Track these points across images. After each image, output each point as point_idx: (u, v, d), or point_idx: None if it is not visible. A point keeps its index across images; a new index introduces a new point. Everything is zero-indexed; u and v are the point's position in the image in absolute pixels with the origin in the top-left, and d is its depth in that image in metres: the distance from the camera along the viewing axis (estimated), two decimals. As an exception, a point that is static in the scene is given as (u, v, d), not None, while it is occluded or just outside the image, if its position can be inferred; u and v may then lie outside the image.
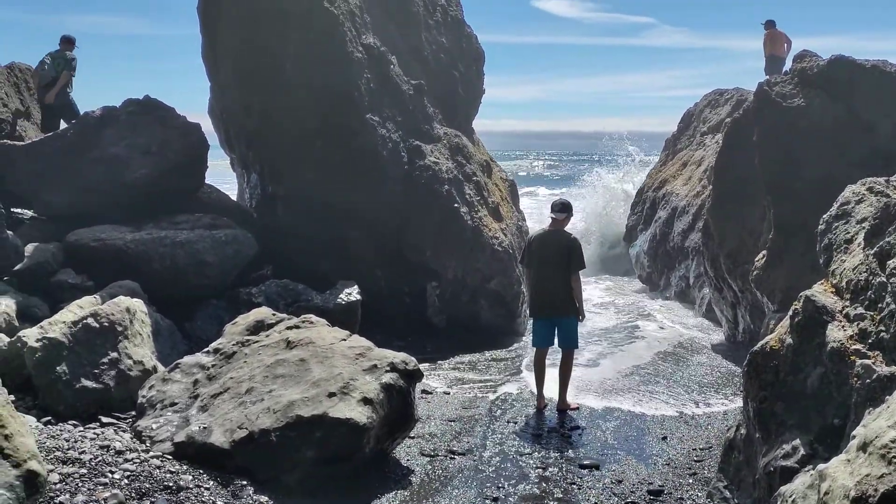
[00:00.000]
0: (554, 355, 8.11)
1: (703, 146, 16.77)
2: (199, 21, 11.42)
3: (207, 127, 12.27)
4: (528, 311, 9.18)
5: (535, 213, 17.97)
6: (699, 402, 8.34)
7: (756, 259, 10.10)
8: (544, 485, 5.91)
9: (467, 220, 11.36)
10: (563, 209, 8.02)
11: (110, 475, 4.99)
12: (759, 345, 5.42)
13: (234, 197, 13.17)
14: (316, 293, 9.69)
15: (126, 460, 5.27)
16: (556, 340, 7.93)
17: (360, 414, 5.58)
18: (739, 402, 7.23)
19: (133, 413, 6.36)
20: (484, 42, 14.83)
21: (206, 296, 9.39)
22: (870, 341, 4.51)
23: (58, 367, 6.32)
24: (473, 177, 12.18)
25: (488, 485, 5.88)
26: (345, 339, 6.64)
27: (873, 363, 4.37)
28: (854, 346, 4.56)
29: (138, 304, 7.31)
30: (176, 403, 6.17)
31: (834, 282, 5.21)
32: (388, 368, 6.17)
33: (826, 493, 3.86)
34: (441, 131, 12.31)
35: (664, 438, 7.05)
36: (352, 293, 9.80)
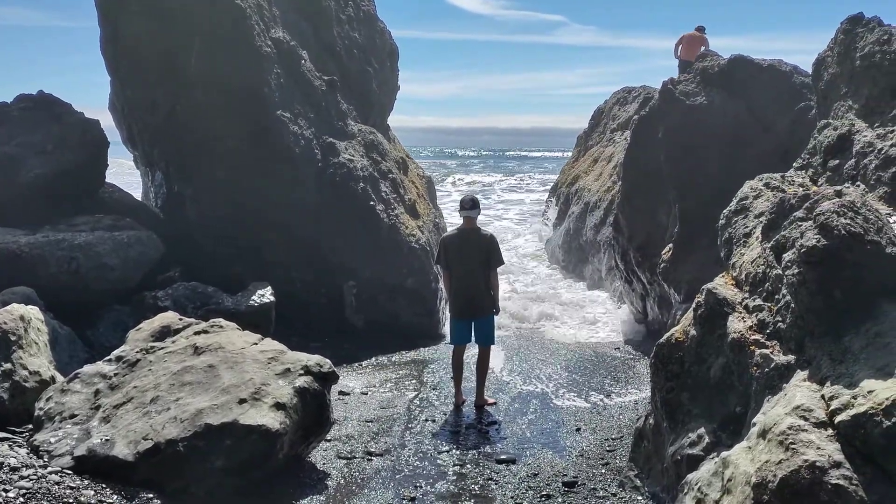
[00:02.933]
0: (471, 350, 8.15)
1: (613, 142, 17.23)
2: (97, 12, 10.88)
3: (108, 123, 11.75)
4: (447, 310, 9.17)
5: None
6: (611, 392, 8.54)
7: (663, 252, 10.42)
8: (462, 482, 5.92)
9: (383, 217, 11.28)
10: (473, 205, 8.02)
11: (4, 494, 4.70)
12: (665, 337, 5.58)
13: (138, 196, 12.65)
14: (227, 296, 9.41)
15: (22, 477, 4.97)
16: (472, 337, 7.97)
17: (273, 420, 5.44)
18: (649, 392, 7.47)
19: (30, 427, 6.01)
20: (398, 38, 14.77)
21: (109, 301, 8.99)
22: (768, 331, 4.70)
23: (-57, 382, 5.90)
24: (389, 174, 12.10)
25: (406, 485, 5.84)
26: (256, 344, 6.47)
27: (771, 352, 4.56)
28: (753, 337, 4.75)
29: (34, 312, 6.92)
30: (76, 415, 5.86)
31: (734, 274, 5.42)
32: (301, 372, 6.05)
33: (729, 480, 4.00)
34: (356, 128, 12.17)
35: (578, 430, 7.18)
36: (265, 295, 9.56)
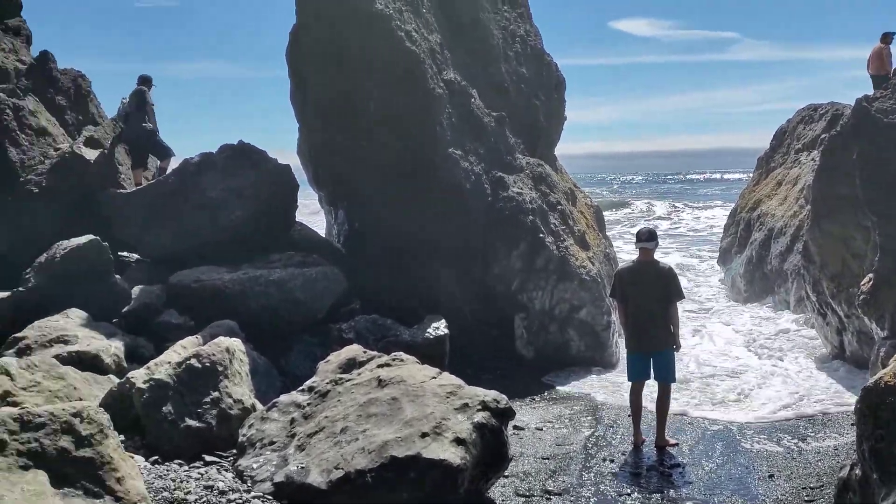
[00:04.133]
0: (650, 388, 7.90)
1: (799, 164, 16.14)
2: (287, 66, 11.86)
3: (296, 164, 12.70)
4: (622, 344, 8.98)
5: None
6: (807, 436, 7.92)
7: (862, 283, 9.58)
8: (644, 527, 5.73)
9: (553, 249, 11.26)
10: (650, 237, 7.85)
11: (214, 514, 5.14)
12: (873, 380, 5.11)
13: (322, 233, 13.51)
14: (404, 328, 9.78)
15: (229, 500, 5.42)
16: (651, 373, 7.73)
17: (454, 455, 5.56)
18: (850, 437, 6.86)
19: (234, 451, 6.54)
20: (563, 65, 14.79)
21: (299, 332, 9.62)
22: None
23: (163, 408, 6.58)
24: (558, 206, 12.08)
25: (586, 526, 5.74)
26: (435, 377, 6.64)
27: None
28: (981, 384, 4.24)
29: (237, 344, 7.54)
30: (274, 442, 6.31)
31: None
32: (479, 407, 6.13)
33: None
34: (524, 161, 12.30)
35: (771, 476, 6.73)
36: (439, 327, 9.83)
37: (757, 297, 15.49)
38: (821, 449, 7.48)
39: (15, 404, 6.34)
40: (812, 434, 7.96)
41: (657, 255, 8.11)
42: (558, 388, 10.04)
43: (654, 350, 7.63)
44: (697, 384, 9.94)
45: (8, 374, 6.64)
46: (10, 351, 7.67)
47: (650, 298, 7.57)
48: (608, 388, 10.02)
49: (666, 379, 7.69)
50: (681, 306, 7.94)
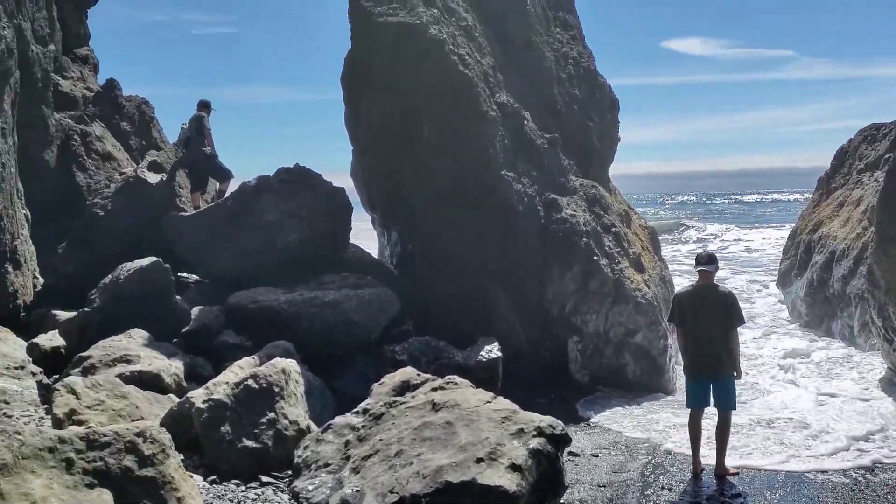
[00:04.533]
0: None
1: (862, 185, 15.67)
2: (342, 91, 12.06)
3: (349, 186, 12.87)
4: (679, 369, 8.80)
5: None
6: (874, 467, 7.61)
7: (933, 308, 9.21)
8: (705, 560, 5.56)
9: (608, 272, 11.13)
10: (710, 260, 7.73)
11: (271, 535, 5.18)
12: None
13: (375, 254, 13.63)
14: (457, 350, 9.77)
15: (285, 522, 5.46)
16: (710, 400, 7.54)
17: (510, 481, 5.50)
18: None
19: (289, 472, 6.60)
20: (615, 85, 14.71)
21: (353, 353, 9.69)
22: None
23: (222, 428, 6.69)
24: (612, 227, 11.96)
25: (644, 557, 5.60)
26: (490, 402, 6.61)
27: None
28: None
29: (293, 365, 7.64)
30: (329, 464, 6.35)
31: None
32: (535, 433, 6.06)
33: None
34: (577, 183, 12.23)
35: (838, 510, 6.47)
36: (492, 350, 9.79)
37: (818, 321, 15.03)
38: (890, 481, 7.17)
39: (80, 422, 6.53)
40: (880, 465, 7.63)
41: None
42: (613, 413, 9.86)
43: (714, 376, 7.46)
44: (759, 418, 9.51)
45: (74, 392, 6.86)
46: (76, 370, 7.91)
47: (710, 323, 7.41)
48: (665, 413, 9.81)
49: (726, 406, 7.49)
50: (740, 331, 7.73)
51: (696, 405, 7.58)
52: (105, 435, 4.95)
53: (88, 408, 6.82)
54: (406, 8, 10.83)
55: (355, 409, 7.03)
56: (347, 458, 6.33)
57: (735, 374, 7.51)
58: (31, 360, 8.76)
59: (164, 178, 12.19)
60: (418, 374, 7.39)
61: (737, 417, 8.09)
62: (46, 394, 7.62)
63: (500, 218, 10.92)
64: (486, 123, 10.84)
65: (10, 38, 8.47)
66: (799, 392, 10.64)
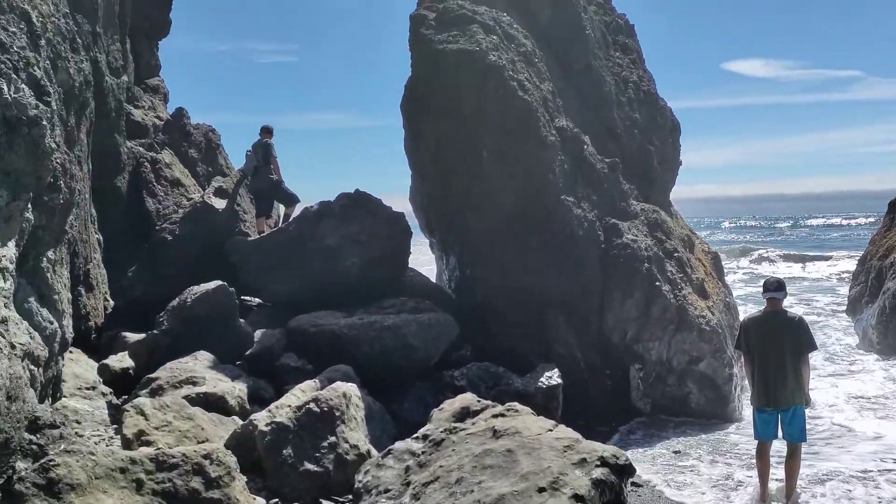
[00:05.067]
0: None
1: (938, 208, 15.06)
2: (402, 117, 12.23)
3: (408, 209, 12.99)
4: (746, 399, 8.53)
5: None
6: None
7: None
8: None
9: (671, 298, 10.93)
10: (778, 287, 7.51)
11: (332, 561, 5.19)
12: None
13: (432, 279, 13.67)
14: (516, 376, 9.69)
15: (346, 547, 5.46)
16: (779, 432, 7.29)
17: (573, 512, 5.40)
18: None
19: (349, 497, 6.62)
20: (675, 108, 14.55)
21: (412, 378, 9.70)
22: None
23: (284, 451, 6.75)
24: (675, 253, 11.76)
25: None
26: (551, 430, 6.51)
27: None
28: None
29: (353, 389, 7.68)
30: (389, 490, 6.34)
31: None
32: (598, 462, 5.95)
33: None
34: (638, 207, 12.08)
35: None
36: (552, 377, 9.68)
37: (891, 349, 14.44)
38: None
39: (148, 443, 6.69)
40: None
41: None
42: (676, 442, 9.62)
43: (783, 406, 7.21)
44: (835, 454, 9.10)
45: (143, 413, 7.03)
46: (144, 391, 8.11)
47: (780, 350, 7.19)
48: (731, 444, 9.52)
49: (796, 438, 7.23)
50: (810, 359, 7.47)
51: (764, 437, 7.34)
52: (174, 456, 5.06)
53: (156, 429, 6.97)
54: (466, 35, 10.94)
55: (415, 435, 7.01)
56: (408, 483, 6.31)
57: (806, 403, 7.26)
58: (101, 380, 9.02)
59: (229, 204, 12.50)
60: (478, 401, 7.35)
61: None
62: (116, 414, 7.82)
63: (559, 243, 10.84)
64: (545, 148, 10.82)
65: (87, 70, 8.86)
66: (881, 428, 10.10)
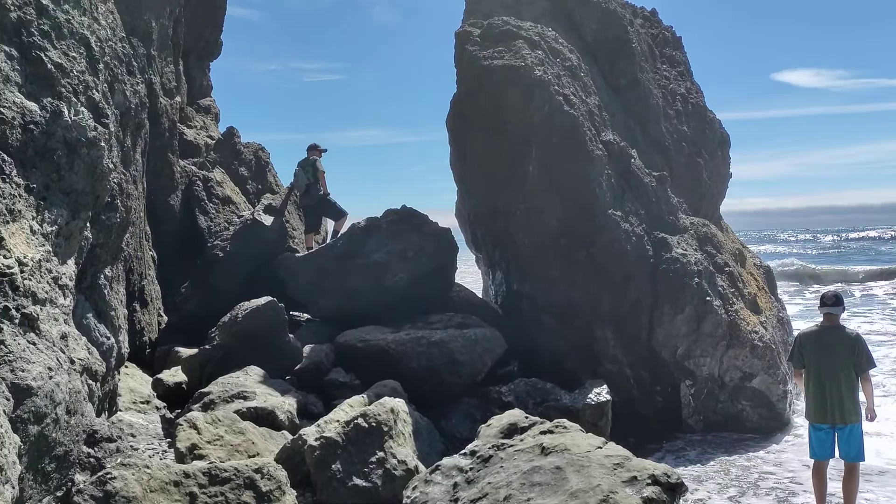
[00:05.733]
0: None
1: None
2: (448, 133, 12.29)
3: (453, 224, 13.04)
4: (803, 415, 8.29)
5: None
6: None
7: None
8: None
9: (722, 313, 10.71)
10: (836, 302, 7.30)
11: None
12: None
13: (479, 294, 13.66)
14: (564, 392, 9.59)
15: (395, 563, 5.45)
16: (836, 451, 7.07)
17: (624, 531, 5.31)
18: None
19: (397, 513, 6.62)
20: (724, 119, 14.36)
21: (459, 393, 9.68)
22: None
23: (333, 466, 6.79)
24: (725, 267, 11.54)
25: None
26: (601, 447, 6.43)
27: None
28: None
29: (401, 405, 7.70)
30: (437, 506, 6.32)
31: None
32: (649, 481, 5.84)
33: None
34: (687, 221, 11.90)
35: None
36: (601, 393, 9.56)
37: (959, 367, 13.87)
38: None
39: (201, 457, 6.80)
40: None
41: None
42: (729, 460, 9.39)
43: (840, 423, 6.99)
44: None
45: (195, 427, 7.15)
46: (197, 405, 8.26)
47: (836, 366, 6.99)
48: (787, 461, 9.25)
49: (853, 458, 7.00)
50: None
51: (820, 456, 7.12)
52: (226, 470, 5.14)
53: (208, 443, 7.09)
54: (511, 51, 10.98)
55: (463, 451, 6.98)
56: (456, 500, 6.29)
57: (870, 417, 7.03)
58: (155, 394, 9.22)
59: (278, 220, 12.72)
60: (526, 417, 7.29)
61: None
62: (169, 428, 7.98)
63: (607, 258, 10.73)
64: (591, 162, 10.75)
65: (142, 92, 9.15)
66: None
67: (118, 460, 5.05)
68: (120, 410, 8.09)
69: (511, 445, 6.82)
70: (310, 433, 7.19)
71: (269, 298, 9.92)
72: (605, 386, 9.70)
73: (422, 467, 7.23)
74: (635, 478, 5.93)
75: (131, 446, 7.56)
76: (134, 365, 9.88)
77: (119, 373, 8.10)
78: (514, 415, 7.39)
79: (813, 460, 7.23)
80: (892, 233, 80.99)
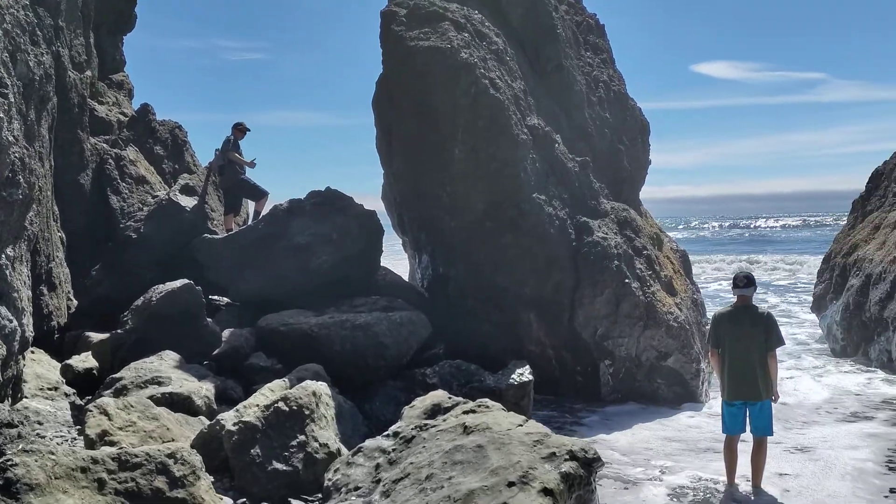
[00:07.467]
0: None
1: (899, 207, 15.36)
2: (373, 115, 12.15)
3: (380, 208, 12.92)
4: (713, 393, 8.60)
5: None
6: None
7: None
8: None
9: (639, 295, 10.99)
10: (748, 283, 7.57)
11: (300, 561, 5.11)
12: None
13: (405, 277, 13.61)
14: (488, 374, 9.66)
15: (315, 546, 5.38)
16: (747, 426, 7.37)
17: (543, 506, 5.38)
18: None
19: (319, 495, 6.54)
20: (645, 109, 14.69)
21: (383, 377, 9.63)
22: None
23: (252, 450, 6.65)
24: (644, 250, 11.83)
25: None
26: (521, 425, 6.50)
27: None
28: None
29: (323, 388, 7.59)
30: (359, 487, 6.27)
31: None
32: (567, 457, 5.94)
33: None
34: (608, 206, 12.14)
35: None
36: (524, 374, 9.67)
37: (855, 346, 14.68)
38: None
39: (112, 443, 6.54)
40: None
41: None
42: (643, 434, 9.64)
43: (752, 399, 7.29)
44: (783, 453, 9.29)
45: (106, 413, 6.87)
46: (108, 391, 7.95)
47: (748, 345, 7.27)
48: (699, 437, 9.57)
49: (763, 432, 7.31)
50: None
51: (732, 431, 7.41)
52: (136, 456, 4.95)
53: (120, 429, 6.83)
54: (437, 32, 10.91)
55: (386, 433, 6.95)
56: (378, 481, 6.25)
57: (773, 397, 7.35)
58: (64, 381, 8.83)
59: (197, 201, 12.33)
60: (449, 398, 7.31)
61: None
62: (79, 415, 7.66)
63: (531, 241, 10.85)
64: (517, 147, 10.82)
65: (48, 64, 8.66)
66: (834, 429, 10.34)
67: (20, 447, 4.79)
68: (26, 397, 7.72)
69: (434, 426, 6.82)
70: (228, 418, 7.01)
71: (186, 281, 9.62)
72: (527, 367, 9.82)
73: (344, 450, 7.16)
74: (554, 454, 6.02)
75: (37, 434, 7.21)
76: (41, 350, 9.45)
77: (24, 358, 7.71)
78: (438, 395, 7.40)
79: (725, 435, 7.51)
80: (791, 221, 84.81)
